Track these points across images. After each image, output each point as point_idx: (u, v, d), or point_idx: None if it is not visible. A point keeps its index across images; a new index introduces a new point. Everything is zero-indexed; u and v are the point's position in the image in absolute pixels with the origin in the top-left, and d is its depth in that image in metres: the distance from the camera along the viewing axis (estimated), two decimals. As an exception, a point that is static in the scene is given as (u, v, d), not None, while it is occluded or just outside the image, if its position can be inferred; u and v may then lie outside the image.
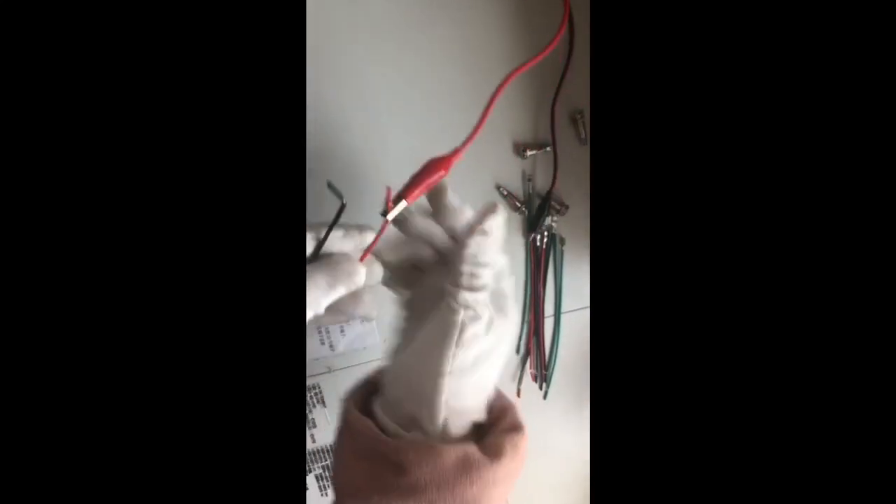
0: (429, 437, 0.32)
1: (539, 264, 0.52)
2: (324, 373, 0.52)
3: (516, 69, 0.36)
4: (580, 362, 0.56)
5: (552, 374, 0.54)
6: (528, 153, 0.49)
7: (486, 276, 0.32)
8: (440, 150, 0.34)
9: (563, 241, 0.52)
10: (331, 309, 0.33)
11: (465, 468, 0.30)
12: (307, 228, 0.33)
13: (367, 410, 0.34)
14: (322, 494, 0.55)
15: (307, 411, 0.53)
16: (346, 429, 0.34)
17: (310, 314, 0.31)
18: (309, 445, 0.54)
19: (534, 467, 0.40)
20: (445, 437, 0.32)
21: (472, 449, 0.31)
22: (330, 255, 0.33)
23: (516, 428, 0.33)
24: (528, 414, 0.36)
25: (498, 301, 0.33)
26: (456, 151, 0.34)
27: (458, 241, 0.34)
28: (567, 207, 0.51)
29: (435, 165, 0.33)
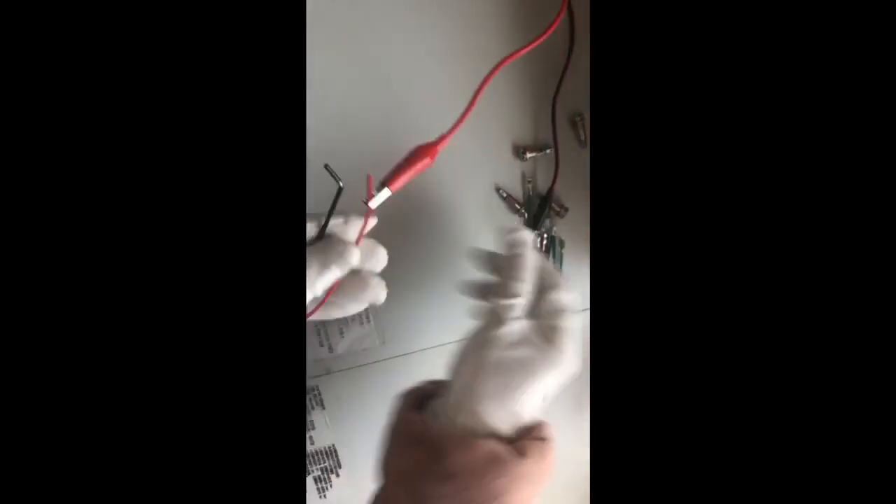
0: (467, 431, 0.35)
1: (538, 266, 0.52)
2: (323, 375, 0.52)
3: (512, 54, 0.36)
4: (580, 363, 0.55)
5: (551, 376, 0.54)
6: (528, 155, 0.49)
7: (516, 288, 0.38)
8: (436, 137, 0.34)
9: (562, 244, 0.52)
10: (338, 296, 0.35)
11: (494, 461, 0.34)
12: (308, 218, 0.34)
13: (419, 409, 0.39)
14: (321, 496, 0.55)
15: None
16: (400, 421, 0.38)
17: (307, 297, 0.32)
18: (307, 447, 0.53)
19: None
20: (481, 433, 0.36)
21: (501, 446, 0.35)
22: (323, 238, 0.34)
23: (545, 438, 0.37)
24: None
25: (548, 333, 0.37)
26: (442, 138, 0.34)
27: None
28: (567, 210, 0.51)
29: (420, 152, 0.33)
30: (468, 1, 0.46)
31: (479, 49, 0.46)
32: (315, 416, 0.53)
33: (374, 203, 0.33)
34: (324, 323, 0.50)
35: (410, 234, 0.49)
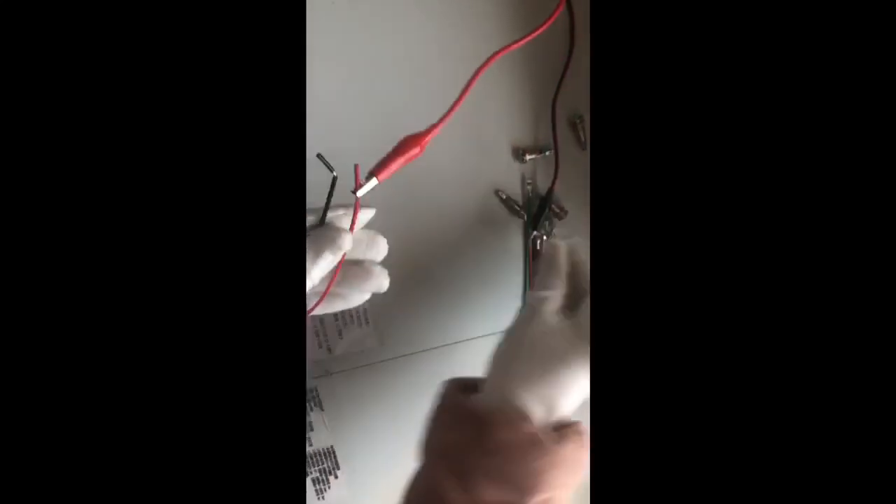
0: (504, 409, 0.36)
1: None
2: (321, 376, 0.52)
3: (507, 45, 0.36)
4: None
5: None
6: (528, 157, 0.49)
7: (550, 282, 0.40)
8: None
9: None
10: (341, 287, 0.35)
11: (535, 443, 0.35)
12: (308, 212, 0.34)
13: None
14: (319, 498, 0.54)
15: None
16: (446, 401, 0.40)
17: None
18: (306, 448, 0.53)
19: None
20: (513, 412, 0.37)
21: (542, 430, 0.36)
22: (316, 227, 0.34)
23: (581, 432, 0.38)
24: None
25: (584, 333, 0.38)
26: (431, 128, 0.34)
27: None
28: (566, 212, 0.51)
29: (409, 143, 0.33)
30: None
31: (477, 45, 0.46)
32: (313, 418, 0.52)
33: (360, 192, 0.32)
34: (323, 324, 0.50)
35: (410, 236, 0.49)
